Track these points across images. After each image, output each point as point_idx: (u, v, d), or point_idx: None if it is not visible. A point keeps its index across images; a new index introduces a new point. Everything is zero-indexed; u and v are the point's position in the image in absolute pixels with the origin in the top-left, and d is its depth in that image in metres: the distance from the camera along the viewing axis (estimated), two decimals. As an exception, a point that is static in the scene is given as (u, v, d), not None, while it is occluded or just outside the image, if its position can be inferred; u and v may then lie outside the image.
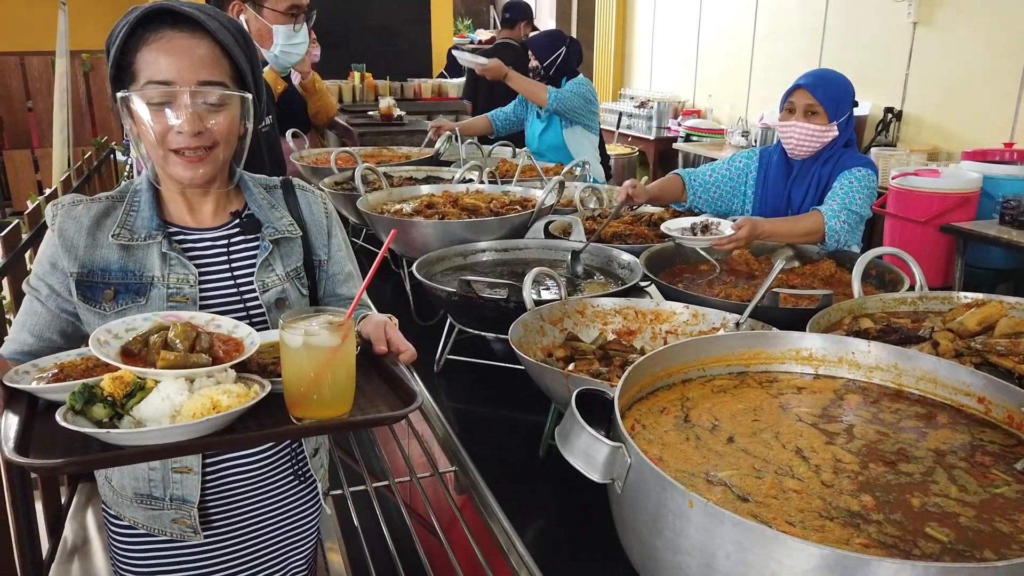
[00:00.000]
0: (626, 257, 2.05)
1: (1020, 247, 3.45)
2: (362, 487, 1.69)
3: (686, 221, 2.12)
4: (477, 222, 2.27)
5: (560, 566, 1.23)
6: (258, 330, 1.34)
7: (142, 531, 1.39)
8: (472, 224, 2.26)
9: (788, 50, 5.63)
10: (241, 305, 1.37)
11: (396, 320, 1.35)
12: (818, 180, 2.24)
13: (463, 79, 5.97)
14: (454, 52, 3.93)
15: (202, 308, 1.32)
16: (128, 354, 1.10)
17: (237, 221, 1.41)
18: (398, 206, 2.55)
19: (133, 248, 1.31)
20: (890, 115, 4.72)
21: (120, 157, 5.16)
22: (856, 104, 2.27)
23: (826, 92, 2.17)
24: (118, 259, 1.31)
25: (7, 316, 2.16)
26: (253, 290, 1.38)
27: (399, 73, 6.59)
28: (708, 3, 6.66)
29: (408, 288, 2.43)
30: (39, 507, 2.56)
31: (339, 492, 1.68)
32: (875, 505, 0.90)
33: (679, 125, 6.47)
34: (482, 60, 3.91)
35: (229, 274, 1.38)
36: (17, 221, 2.45)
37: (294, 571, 1.55)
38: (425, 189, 2.74)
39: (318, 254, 1.50)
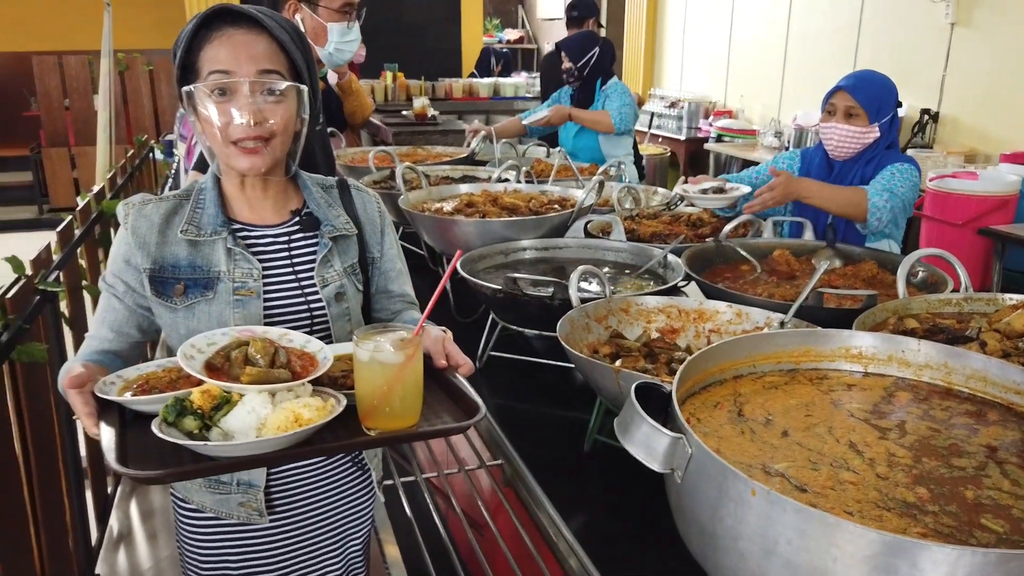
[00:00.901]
0: (671, 258, 2.07)
1: (1059, 250, 3.42)
2: (411, 478, 1.74)
3: (706, 184, 2.16)
4: (518, 221, 2.31)
5: (609, 554, 1.27)
6: (318, 324, 1.44)
7: (209, 515, 1.45)
8: (513, 223, 2.30)
9: (822, 50, 5.61)
10: (302, 299, 1.42)
11: (450, 333, 1.40)
12: (861, 179, 2.25)
13: (494, 79, 6.04)
14: (524, 122, 4.02)
15: (265, 301, 1.38)
16: (211, 368, 1.15)
17: (297, 219, 1.46)
18: (438, 204, 2.59)
19: (200, 244, 1.37)
20: (927, 117, 4.69)
21: (158, 156, 5.26)
22: (900, 104, 2.28)
23: (866, 94, 2.18)
24: (187, 255, 1.36)
25: (63, 310, 2.23)
26: (313, 285, 1.43)
27: (429, 73, 6.65)
28: (740, 2, 6.64)
29: (448, 286, 2.47)
30: (88, 497, 2.64)
31: (391, 482, 1.72)
32: (930, 497, 0.92)
33: (710, 125, 6.46)
34: (544, 113, 4.02)
35: (290, 269, 1.43)
36: (70, 218, 2.52)
37: (351, 553, 1.60)
38: (464, 188, 2.78)
39: (372, 251, 1.54)
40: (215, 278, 1.36)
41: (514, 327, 1.93)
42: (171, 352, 1.39)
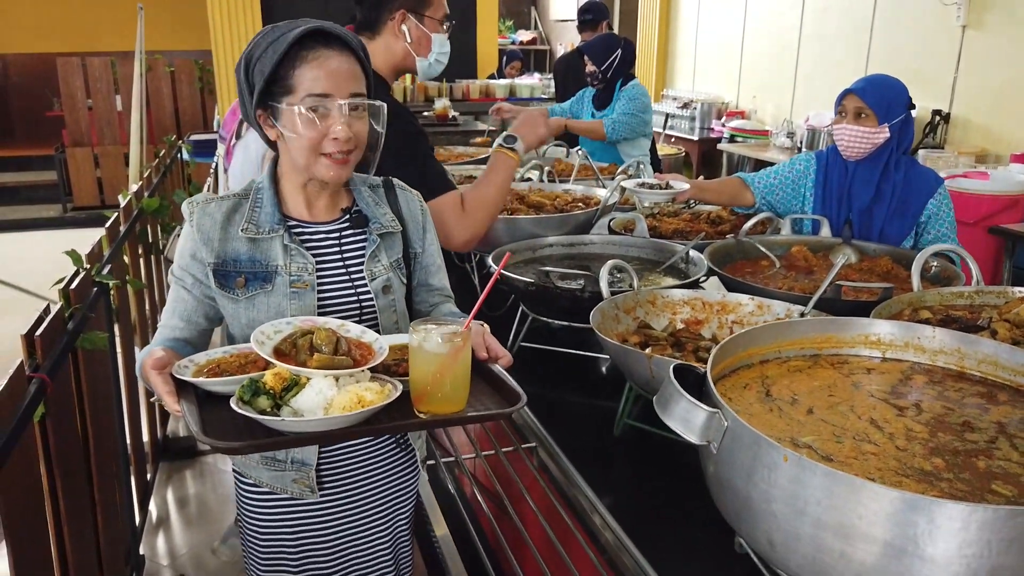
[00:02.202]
0: (692, 253, 2.17)
1: (1069, 248, 3.49)
2: (451, 458, 1.84)
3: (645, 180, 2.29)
4: (545, 218, 2.40)
5: (642, 526, 1.35)
6: (367, 314, 1.54)
7: (266, 489, 1.56)
8: (540, 220, 2.39)
9: (834, 51, 5.68)
10: (352, 291, 1.53)
11: (487, 327, 1.49)
12: (892, 186, 2.32)
13: (510, 80, 6.15)
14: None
15: (319, 293, 1.48)
16: (280, 354, 1.25)
17: (348, 216, 1.56)
18: (467, 203, 2.69)
19: (259, 240, 1.47)
20: (938, 117, 4.76)
21: (185, 156, 5.39)
22: (913, 107, 2.37)
23: (876, 96, 2.27)
24: (247, 250, 1.46)
25: (113, 304, 2.34)
26: (363, 278, 1.53)
27: (446, 74, 6.75)
28: (753, 3, 6.72)
29: (476, 280, 2.57)
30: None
31: (432, 462, 1.82)
32: (945, 466, 1.02)
33: (723, 126, 6.55)
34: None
35: (341, 263, 1.53)
36: (116, 214, 2.64)
37: (399, 527, 1.72)
38: (490, 187, 2.87)
39: (415, 247, 1.64)
40: (273, 272, 1.46)
41: (544, 319, 2.03)
42: (231, 339, 1.51)
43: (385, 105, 1.47)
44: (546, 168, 3.12)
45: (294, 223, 1.52)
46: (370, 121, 1.47)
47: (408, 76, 6.19)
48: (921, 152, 4.54)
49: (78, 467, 1.94)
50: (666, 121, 7.00)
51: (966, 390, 1.24)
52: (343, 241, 1.55)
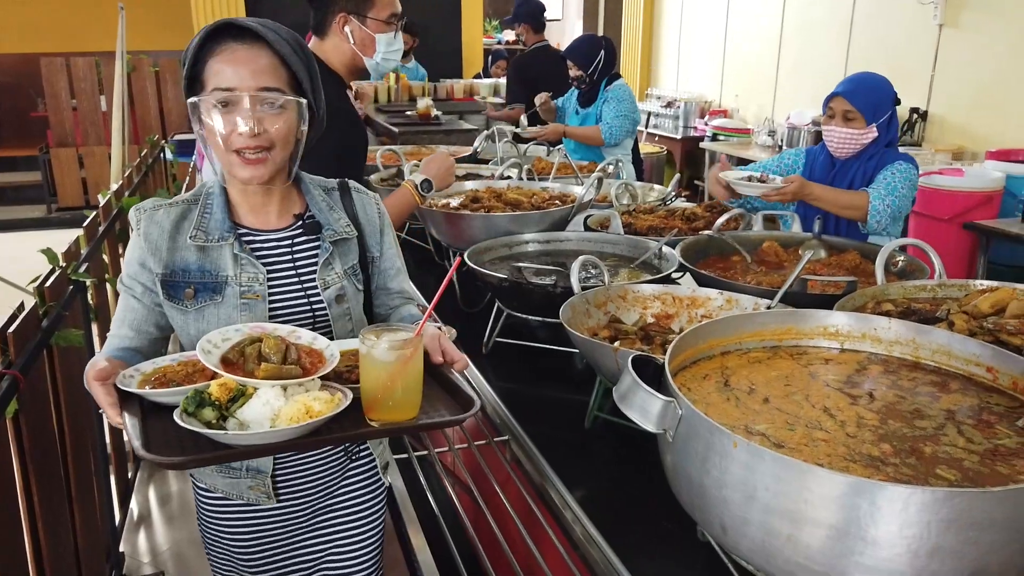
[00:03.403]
0: (664, 249, 2.20)
1: (1042, 244, 3.54)
2: (424, 452, 1.86)
3: (743, 173, 2.29)
4: (521, 215, 2.43)
5: (611, 521, 1.37)
6: (320, 324, 1.50)
7: (222, 496, 1.54)
8: (516, 217, 2.42)
9: (815, 51, 5.73)
10: (305, 300, 1.49)
11: (455, 332, 1.50)
12: (863, 174, 2.38)
13: (494, 80, 6.18)
14: (516, 131, 4.25)
15: (270, 304, 1.44)
16: (227, 362, 1.22)
17: (300, 223, 1.52)
18: (444, 200, 2.72)
19: (208, 249, 1.42)
20: (916, 115, 4.81)
21: (168, 156, 5.39)
22: (898, 102, 2.42)
23: (862, 98, 2.32)
24: (196, 260, 1.42)
25: (92, 302, 2.35)
26: (315, 287, 1.49)
27: (431, 74, 6.77)
28: (735, 3, 6.76)
29: (454, 278, 2.59)
30: (111, 481, 2.76)
31: (404, 456, 1.84)
32: (893, 452, 1.05)
33: (706, 125, 6.59)
34: (534, 129, 4.26)
35: (293, 272, 1.49)
36: (95, 214, 2.64)
37: (366, 535, 1.68)
38: (469, 185, 2.90)
39: (372, 252, 1.60)
40: (223, 282, 1.42)
41: (518, 314, 2.05)
42: (182, 348, 1.46)
43: (305, 101, 1.40)
44: (525, 166, 3.15)
45: (244, 231, 1.47)
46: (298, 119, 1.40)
47: (392, 76, 6.22)
48: (899, 150, 4.58)
49: (54, 464, 1.95)
50: (648, 120, 7.04)
51: (919, 379, 1.27)
52: (295, 249, 1.50)
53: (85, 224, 2.49)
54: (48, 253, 1.97)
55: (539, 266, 2.08)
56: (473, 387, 1.38)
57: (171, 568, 2.79)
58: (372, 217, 1.61)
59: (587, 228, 2.52)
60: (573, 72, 4.13)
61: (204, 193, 1.48)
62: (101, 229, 2.61)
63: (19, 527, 1.76)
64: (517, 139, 4.22)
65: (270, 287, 1.45)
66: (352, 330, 1.55)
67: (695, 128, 6.80)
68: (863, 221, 2.32)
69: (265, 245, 1.48)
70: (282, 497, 1.55)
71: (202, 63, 1.36)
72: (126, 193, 3.15)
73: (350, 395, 1.22)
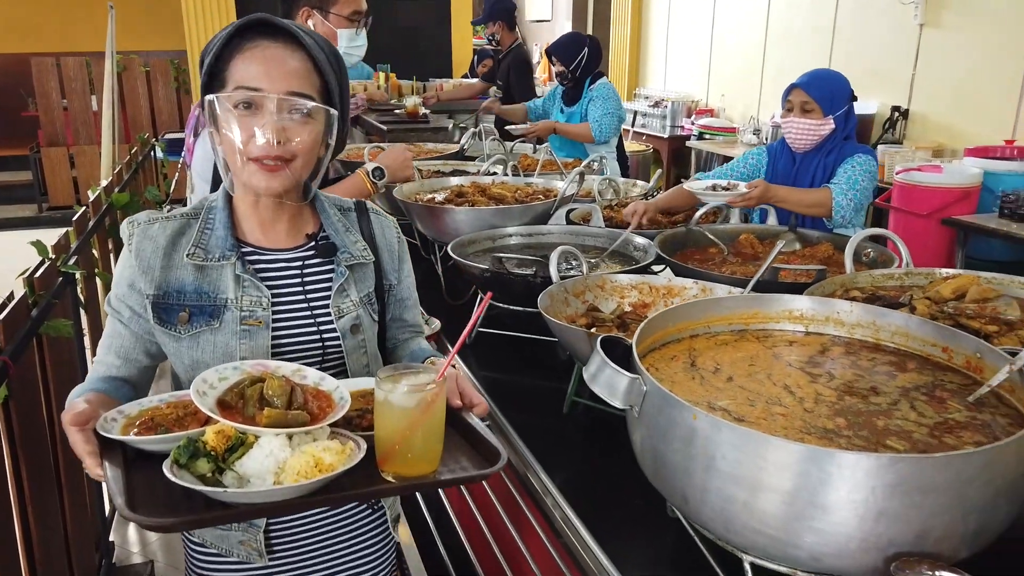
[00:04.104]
0: (641, 240, 2.25)
1: (1019, 239, 3.61)
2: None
3: (708, 182, 2.34)
4: (504, 209, 2.47)
5: (588, 504, 1.39)
6: (331, 358, 1.37)
7: (213, 550, 1.38)
8: (500, 211, 2.47)
9: (799, 50, 5.80)
10: (315, 329, 1.35)
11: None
12: (823, 168, 2.44)
13: (476, 80, 6.24)
14: (508, 128, 4.34)
15: (274, 332, 1.31)
16: (224, 406, 1.09)
17: (313, 244, 1.39)
18: (431, 195, 2.76)
19: (207, 268, 1.29)
20: (897, 113, 4.88)
21: (159, 155, 5.41)
22: (855, 99, 2.47)
23: (820, 89, 2.37)
24: (193, 280, 1.29)
25: (81, 295, 2.39)
26: (327, 315, 1.36)
27: (421, 73, 6.82)
28: (721, 5, 6.84)
29: (440, 271, 2.64)
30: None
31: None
32: (847, 425, 1.10)
33: (692, 124, 6.65)
34: (525, 126, 4.31)
35: (303, 298, 1.35)
36: (84, 208, 2.68)
37: None
38: (454, 180, 2.95)
39: (389, 279, 1.48)
40: (221, 306, 1.28)
41: (501, 304, 2.10)
42: (176, 378, 1.35)
43: (336, 112, 1.29)
44: (510, 163, 3.20)
45: (249, 249, 1.34)
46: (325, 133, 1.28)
47: (382, 75, 6.27)
48: (880, 147, 4.65)
49: (44, 454, 1.99)
50: (634, 119, 7.10)
51: (879, 359, 1.32)
52: (306, 272, 1.37)
53: (75, 219, 2.53)
54: (38, 245, 2.00)
55: (520, 256, 2.12)
56: (494, 433, 1.22)
57: (160, 557, 2.83)
58: (391, 241, 1.49)
59: (569, 222, 2.57)
60: (556, 68, 4.19)
61: (206, 207, 1.35)
62: (91, 224, 2.64)
63: (10, 516, 1.79)
64: (506, 136, 4.27)
65: (275, 313, 1.32)
66: (367, 365, 1.42)
67: (682, 127, 6.86)
68: (828, 217, 2.38)
69: (272, 266, 1.35)
70: (277, 554, 1.39)
71: (226, 60, 1.24)
72: (116, 189, 3.19)
73: (364, 445, 1.08)
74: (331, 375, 1.33)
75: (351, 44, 2.44)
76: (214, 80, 1.26)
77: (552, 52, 4.20)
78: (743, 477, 0.98)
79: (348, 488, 1.05)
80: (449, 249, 2.21)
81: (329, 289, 1.37)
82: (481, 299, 1.39)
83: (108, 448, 1.06)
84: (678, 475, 1.07)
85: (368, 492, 1.13)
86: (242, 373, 1.16)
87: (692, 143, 6.52)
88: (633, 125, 7.06)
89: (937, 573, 0.91)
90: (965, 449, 1.02)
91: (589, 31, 8.75)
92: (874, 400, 1.17)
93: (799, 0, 5.82)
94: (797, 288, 1.83)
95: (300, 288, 1.35)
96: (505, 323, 2.23)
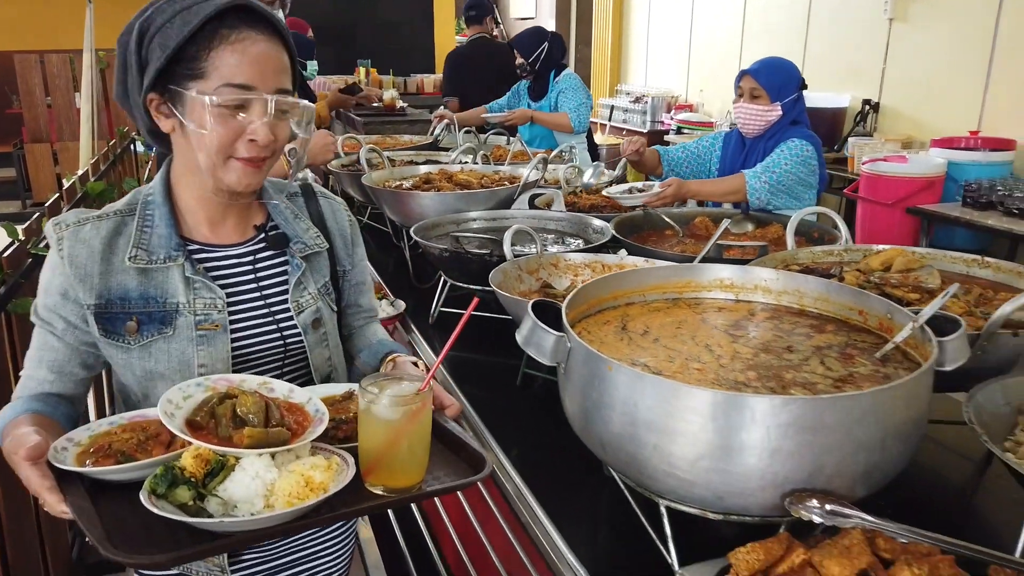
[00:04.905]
0: (598, 223, 2.32)
1: (981, 227, 3.70)
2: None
3: (626, 186, 2.43)
4: (468, 194, 2.54)
5: (534, 470, 1.46)
6: (293, 355, 1.32)
7: (174, 571, 1.31)
8: (464, 196, 2.53)
9: (775, 46, 5.88)
10: (275, 328, 1.29)
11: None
12: (764, 153, 2.52)
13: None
14: (484, 116, 4.41)
15: (232, 335, 1.25)
16: (195, 427, 1.02)
17: (263, 236, 1.32)
18: (399, 182, 2.83)
19: (151, 271, 1.20)
20: (868, 107, 4.97)
21: (140, 148, 5.46)
22: (805, 87, 2.55)
23: (768, 77, 2.46)
24: (137, 285, 1.20)
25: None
26: (287, 311, 1.30)
27: (404, 69, 6.89)
28: (700, 2, 6.92)
29: (408, 255, 2.70)
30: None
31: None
32: (756, 377, 1.17)
33: (671, 119, 6.73)
34: (502, 115, 4.41)
35: (259, 295, 1.29)
36: (56, 195, 2.73)
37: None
38: (423, 168, 3.01)
39: (343, 264, 1.43)
40: (173, 311, 1.20)
41: (460, 284, 2.16)
42: (123, 389, 1.27)
43: (313, 107, 1.25)
44: (481, 152, 3.26)
45: (196, 247, 1.26)
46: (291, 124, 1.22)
47: (362, 70, 6.33)
48: (851, 139, 4.74)
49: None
50: (611, 113, 7.18)
51: (800, 323, 1.39)
52: (259, 267, 1.30)
53: (48, 204, 2.58)
54: (7, 227, 2.05)
55: (480, 237, 2.19)
56: (476, 436, 1.23)
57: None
58: (343, 225, 1.44)
59: (533, 207, 2.64)
60: (517, 60, 4.28)
61: (141, 202, 1.24)
62: (64, 211, 2.69)
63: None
64: (479, 129, 4.35)
65: (231, 315, 1.25)
66: (329, 358, 1.38)
67: (662, 122, 6.94)
68: (744, 201, 2.46)
69: (223, 264, 1.27)
70: (240, 570, 1.34)
71: (203, 47, 1.12)
72: (92, 178, 3.24)
73: (351, 460, 1.05)
74: (295, 374, 1.32)
75: None
76: (179, 66, 1.13)
77: (514, 45, 4.30)
78: (652, 422, 1.05)
79: (339, 505, 0.99)
80: (412, 231, 2.27)
81: (285, 283, 1.31)
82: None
83: (66, 480, 0.97)
84: (598, 424, 1.14)
85: (363, 508, 1.04)
86: (207, 390, 1.08)
87: (670, 137, 6.60)
88: (610, 119, 7.13)
89: (826, 506, 0.99)
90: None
91: (572, 27, 8.82)
92: (787, 357, 1.24)
93: (774, -4, 5.91)
94: (742, 264, 1.90)
95: (255, 285, 1.28)
96: (465, 303, 2.29)
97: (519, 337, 1.27)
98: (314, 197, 1.42)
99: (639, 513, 1.23)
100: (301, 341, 1.31)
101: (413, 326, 2.27)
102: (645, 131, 6.80)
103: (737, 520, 1.09)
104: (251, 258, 1.30)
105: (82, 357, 1.23)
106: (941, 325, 1.19)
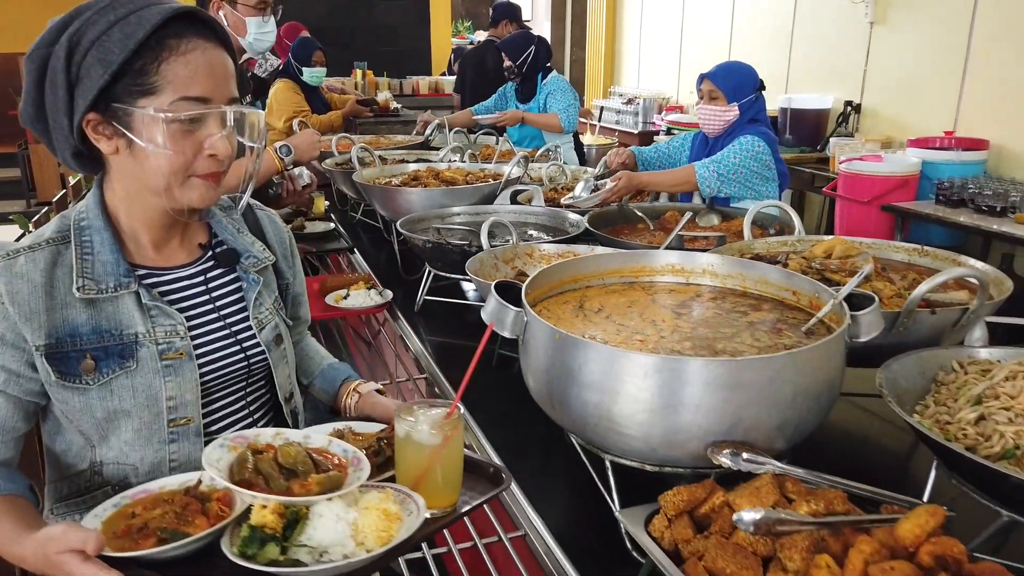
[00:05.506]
0: (574, 217, 2.46)
1: (952, 223, 3.84)
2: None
3: (591, 185, 2.59)
4: (453, 190, 2.69)
5: (503, 438, 1.61)
6: (258, 372, 1.30)
7: None
8: (448, 191, 2.68)
9: (761, 49, 6.03)
10: (238, 347, 1.25)
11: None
12: (723, 148, 2.68)
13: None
14: (474, 117, 4.56)
15: (197, 359, 1.20)
16: (246, 486, 1.00)
17: (211, 254, 1.27)
18: (388, 179, 2.97)
19: (100, 302, 1.12)
20: (849, 108, 5.11)
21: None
22: (763, 87, 2.69)
23: (724, 79, 2.61)
24: (87, 319, 1.11)
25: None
26: (248, 329, 1.27)
27: (400, 71, 7.05)
28: (690, 6, 7.08)
29: (397, 250, 2.85)
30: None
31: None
32: (691, 347, 1.31)
33: (662, 120, 6.87)
34: (493, 116, 4.55)
35: (216, 315, 1.24)
36: (63, 191, 2.88)
37: None
38: (412, 166, 3.16)
39: (286, 276, 1.40)
40: (132, 343, 1.13)
41: (442, 273, 2.31)
42: (83, 436, 1.16)
43: (263, 113, 1.25)
44: (469, 151, 3.41)
45: (144, 271, 1.19)
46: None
47: (359, 71, 6.49)
48: (833, 140, 4.88)
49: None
50: (600, 114, 7.34)
51: (741, 303, 1.53)
52: (211, 287, 1.25)
53: (55, 199, 2.73)
54: (18, 219, 2.20)
55: (462, 229, 2.34)
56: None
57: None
58: (282, 236, 1.40)
59: (515, 203, 2.78)
60: (505, 63, 4.43)
61: (75, 228, 1.15)
62: (71, 205, 2.85)
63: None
64: (470, 129, 4.50)
65: (192, 339, 1.19)
66: (289, 375, 1.36)
67: (653, 123, 7.09)
68: (697, 190, 2.61)
69: (175, 286, 1.21)
70: None
71: (151, 59, 1.06)
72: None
73: (403, 488, 1.07)
74: (257, 394, 1.31)
75: (260, 31, 2.69)
76: (124, 80, 1.06)
77: (502, 48, 4.46)
78: (594, 383, 1.19)
79: (409, 535, 0.99)
80: (398, 225, 2.42)
81: (240, 301, 1.27)
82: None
83: (122, 567, 0.93)
84: (549, 387, 1.28)
85: (430, 531, 1.08)
86: (230, 449, 1.06)
87: (660, 138, 6.75)
88: (600, 120, 7.28)
89: (743, 455, 1.13)
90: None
91: (567, 31, 8.98)
92: (723, 331, 1.39)
93: (761, 2, 6.05)
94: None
95: (212, 306, 1.24)
96: (452, 294, 2.44)
97: (484, 313, 1.41)
98: (250, 209, 1.37)
99: (590, 469, 1.37)
100: (265, 360, 1.28)
101: (400, 314, 2.42)
102: (636, 132, 6.94)
103: (671, 472, 1.23)
104: (202, 278, 1.24)
105: (25, 410, 1.13)
106: (859, 302, 1.33)
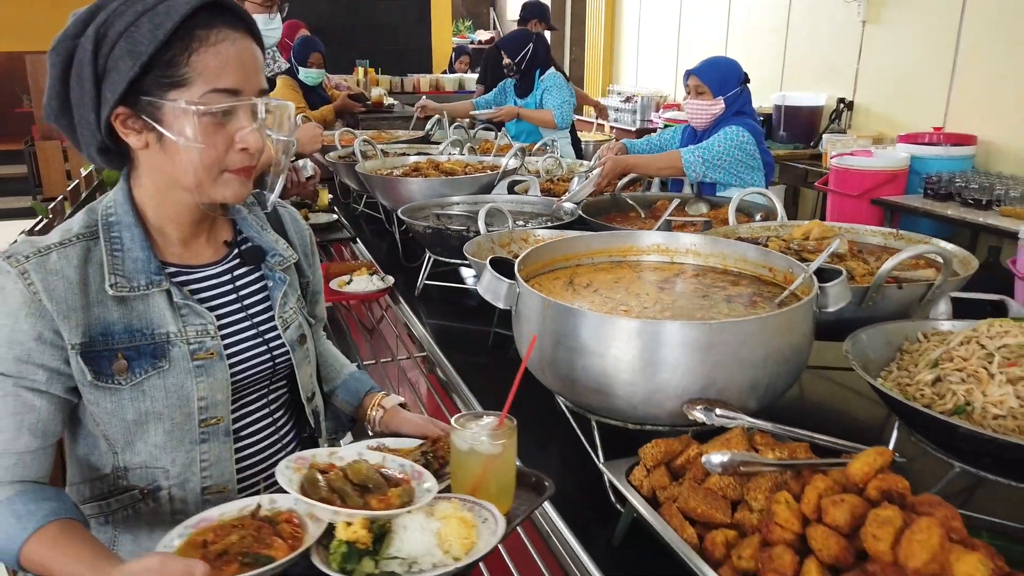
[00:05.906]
0: (569, 205, 2.56)
1: (939, 216, 3.93)
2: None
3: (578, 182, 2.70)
4: (452, 180, 2.79)
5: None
6: (282, 372, 1.29)
7: None
8: (448, 182, 2.78)
9: (756, 47, 6.13)
10: (265, 347, 1.24)
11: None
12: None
13: (458, 75, 6.57)
14: (472, 112, 4.68)
15: (227, 359, 1.19)
16: (324, 503, 1.00)
17: (236, 252, 1.25)
18: (390, 170, 3.08)
19: (131, 300, 1.10)
20: (842, 105, 5.21)
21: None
22: (747, 80, 2.80)
23: (709, 74, 2.72)
24: (119, 317, 1.09)
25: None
26: (273, 329, 1.25)
27: (401, 69, 7.16)
28: (687, 6, 7.18)
29: (398, 239, 2.95)
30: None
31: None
32: (671, 317, 1.41)
33: (659, 118, 6.97)
34: (489, 112, 4.68)
35: (244, 315, 1.22)
36: (76, 182, 2.98)
37: None
38: (413, 158, 3.26)
39: (307, 275, 1.38)
40: (164, 343, 1.11)
41: (442, 259, 2.41)
42: (106, 441, 1.13)
43: (292, 105, 1.21)
44: (468, 144, 3.52)
45: (174, 269, 1.17)
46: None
47: (360, 70, 6.59)
48: (826, 136, 4.98)
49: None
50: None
51: (721, 279, 1.64)
52: (239, 285, 1.23)
53: (69, 189, 2.83)
54: (36, 205, 2.30)
55: (460, 216, 2.44)
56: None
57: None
58: (303, 234, 1.39)
59: (510, 192, 2.88)
60: (504, 60, 4.54)
61: (103, 223, 1.12)
62: (83, 196, 2.95)
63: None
64: (470, 124, 4.61)
65: (222, 339, 1.17)
66: (312, 375, 1.35)
67: (651, 121, 7.19)
68: (683, 175, 2.71)
69: (204, 285, 1.19)
70: None
71: (180, 50, 1.03)
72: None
73: (468, 497, 1.08)
74: (277, 393, 1.30)
75: (266, 28, 2.79)
76: (154, 72, 1.03)
77: (501, 46, 4.57)
78: (579, 347, 1.29)
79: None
80: (400, 212, 2.52)
81: (265, 300, 1.25)
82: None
83: None
84: (541, 353, 1.38)
85: (501, 539, 1.08)
86: (296, 470, 1.06)
87: (658, 135, 6.86)
88: (596, 117, 7.38)
89: (716, 410, 1.23)
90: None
91: (567, 29, 9.07)
92: (701, 303, 1.49)
93: (756, 2, 6.15)
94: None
95: (239, 305, 1.22)
96: (451, 279, 2.54)
97: (480, 287, 1.52)
98: (274, 207, 1.35)
99: (577, 431, 1.47)
100: (289, 360, 1.26)
101: (401, 299, 2.51)
102: (634, 129, 7.04)
103: (652, 429, 1.33)
104: (229, 276, 1.23)
105: (63, 411, 1.09)
106: (829, 275, 1.43)
